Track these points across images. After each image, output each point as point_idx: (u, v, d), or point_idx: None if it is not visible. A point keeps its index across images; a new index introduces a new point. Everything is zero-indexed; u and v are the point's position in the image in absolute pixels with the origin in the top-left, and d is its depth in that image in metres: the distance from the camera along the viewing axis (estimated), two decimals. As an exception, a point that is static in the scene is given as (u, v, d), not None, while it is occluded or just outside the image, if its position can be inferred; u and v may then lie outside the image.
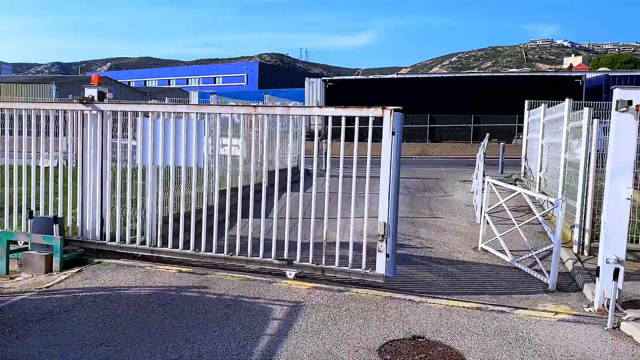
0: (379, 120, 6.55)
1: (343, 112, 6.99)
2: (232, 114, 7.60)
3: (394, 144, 6.38)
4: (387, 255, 6.53)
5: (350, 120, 6.77)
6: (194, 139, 7.34)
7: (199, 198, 8.24)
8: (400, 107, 6.40)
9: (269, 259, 7.08)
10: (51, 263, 7.42)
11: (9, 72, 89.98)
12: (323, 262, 6.88)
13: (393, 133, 6.37)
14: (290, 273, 6.97)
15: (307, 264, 6.94)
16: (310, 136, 34.51)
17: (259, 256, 7.15)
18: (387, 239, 6.50)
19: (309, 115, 7.61)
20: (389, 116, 6.39)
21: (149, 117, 7.54)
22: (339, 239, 6.84)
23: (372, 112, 6.61)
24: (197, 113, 7.66)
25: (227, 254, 7.28)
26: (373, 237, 6.74)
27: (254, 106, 7.76)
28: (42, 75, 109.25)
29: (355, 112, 6.82)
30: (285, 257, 7.03)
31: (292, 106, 8.57)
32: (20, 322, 5.52)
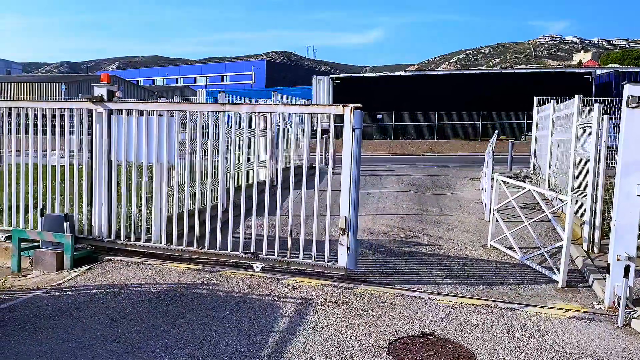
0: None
1: (306, 109, 7.54)
2: (201, 111, 7.69)
3: (354, 141, 6.60)
4: (349, 248, 6.72)
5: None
6: (165, 136, 7.52)
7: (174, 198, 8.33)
8: (360, 105, 6.66)
9: (237, 253, 7.30)
10: (62, 260, 7.49)
11: (19, 71, 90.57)
12: (288, 256, 7.08)
13: (353, 130, 6.59)
14: (257, 266, 7.18)
15: (272, 257, 7.15)
16: (315, 135, 34.59)
17: (227, 250, 7.35)
18: (348, 232, 6.69)
19: (276, 113, 7.75)
20: (349, 114, 6.59)
21: (122, 115, 7.72)
22: (308, 235, 7.06)
23: (333, 109, 6.88)
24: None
25: (196, 247, 7.49)
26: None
27: (222, 104, 7.93)
28: (52, 74, 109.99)
29: (318, 109, 7.40)
30: (252, 251, 7.23)
31: (258, 104, 8.81)
32: (33, 319, 5.58)
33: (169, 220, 7.69)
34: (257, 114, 7.48)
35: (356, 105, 6.62)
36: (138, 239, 7.79)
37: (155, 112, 7.70)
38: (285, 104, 8.39)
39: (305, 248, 7.04)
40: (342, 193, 6.72)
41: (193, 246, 7.53)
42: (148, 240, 7.74)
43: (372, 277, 7.19)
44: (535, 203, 10.50)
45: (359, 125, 6.61)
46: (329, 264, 6.88)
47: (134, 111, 7.72)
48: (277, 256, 7.13)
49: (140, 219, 7.71)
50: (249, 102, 11.74)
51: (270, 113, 7.60)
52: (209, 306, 5.95)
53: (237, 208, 7.30)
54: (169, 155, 7.56)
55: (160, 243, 7.69)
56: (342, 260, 6.77)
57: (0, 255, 8.24)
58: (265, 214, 7.13)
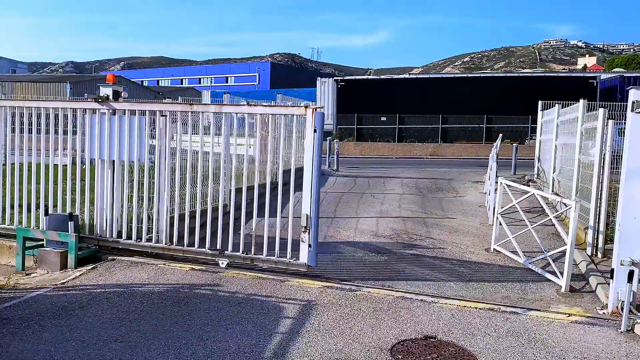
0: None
1: (270, 110, 7.86)
2: (170, 111, 7.82)
3: (315, 141, 6.82)
4: (310, 246, 6.93)
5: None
6: (136, 135, 7.72)
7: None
8: (321, 106, 7.01)
9: (203, 249, 7.51)
10: (66, 259, 7.52)
11: (24, 71, 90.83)
12: (252, 252, 7.30)
13: (315, 130, 6.81)
14: (223, 262, 7.38)
15: (237, 253, 7.35)
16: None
17: (194, 247, 7.56)
18: (309, 230, 6.87)
19: (242, 113, 7.97)
20: (311, 114, 6.83)
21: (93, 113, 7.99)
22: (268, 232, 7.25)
23: (296, 110, 7.31)
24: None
25: (165, 244, 7.68)
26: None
27: (190, 103, 8.10)
28: (57, 74, 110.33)
29: (281, 110, 7.74)
30: (217, 248, 7.41)
31: (224, 104, 8.96)
32: (36, 318, 5.60)
33: (138, 219, 7.89)
34: (224, 114, 7.68)
35: (318, 106, 6.94)
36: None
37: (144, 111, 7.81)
38: (250, 105, 8.72)
39: (281, 247, 7.20)
40: (304, 192, 6.90)
41: (162, 243, 7.73)
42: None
43: (375, 279, 7.19)
44: (539, 207, 10.48)
45: (320, 126, 6.86)
46: (290, 260, 7.10)
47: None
48: (242, 253, 7.33)
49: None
50: (252, 104, 11.80)
51: (236, 113, 7.85)
52: (212, 307, 5.97)
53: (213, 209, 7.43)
54: (139, 155, 7.75)
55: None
56: (304, 257, 6.98)
57: (4, 253, 8.28)
58: (231, 214, 7.35)
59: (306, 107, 6.97)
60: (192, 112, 7.72)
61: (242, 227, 7.32)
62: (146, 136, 7.75)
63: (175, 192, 7.64)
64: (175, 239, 7.64)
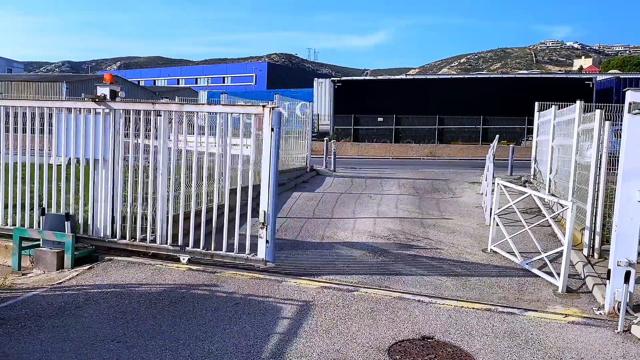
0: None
1: (229, 109, 8.02)
2: (136, 109, 7.90)
3: (273, 139, 6.96)
4: (267, 242, 7.08)
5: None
6: (101, 133, 7.88)
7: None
8: (278, 106, 7.26)
9: (165, 245, 7.66)
10: (63, 260, 7.50)
11: (20, 70, 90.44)
12: (212, 248, 7.45)
13: (272, 129, 6.95)
14: (184, 258, 7.54)
15: (198, 249, 7.52)
16: (318, 136, 34.58)
17: (156, 243, 7.71)
18: (267, 226, 7.00)
19: (202, 112, 8.09)
20: (268, 114, 7.01)
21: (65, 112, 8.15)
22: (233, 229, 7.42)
23: (254, 109, 7.55)
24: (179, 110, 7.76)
25: (129, 240, 7.83)
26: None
27: (152, 102, 8.24)
28: (53, 73, 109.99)
29: (240, 109, 7.91)
30: (179, 244, 7.58)
31: (185, 103, 9.16)
32: (33, 318, 5.58)
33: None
34: (185, 113, 7.77)
35: (275, 106, 7.11)
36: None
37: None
38: (210, 104, 8.82)
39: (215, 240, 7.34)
40: (261, 189, 6.98)
41: (126, 239, 7.86)
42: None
43: (372, 279, 7.19)
44: (536, 208, 10.53)
45: (278, 125, 7.01)
46: (249, 256, 7.24)
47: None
48: (202, 249, 7.46)
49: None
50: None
51: (197, 112, 7.98)
52: (209, 307, 5.96)
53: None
54: (104, 152, 7.87)
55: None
56: (262, 252, 7.14)
57: (0, 253, 8.24)
58: (192, 210, 7.46)
59: (264, 106, 7.17)
60: (153, 110, 7.77)
61: (202, 223, 7.42)
62: (111, 135, 7.86)
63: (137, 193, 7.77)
64: (138, 235, 7.81)
